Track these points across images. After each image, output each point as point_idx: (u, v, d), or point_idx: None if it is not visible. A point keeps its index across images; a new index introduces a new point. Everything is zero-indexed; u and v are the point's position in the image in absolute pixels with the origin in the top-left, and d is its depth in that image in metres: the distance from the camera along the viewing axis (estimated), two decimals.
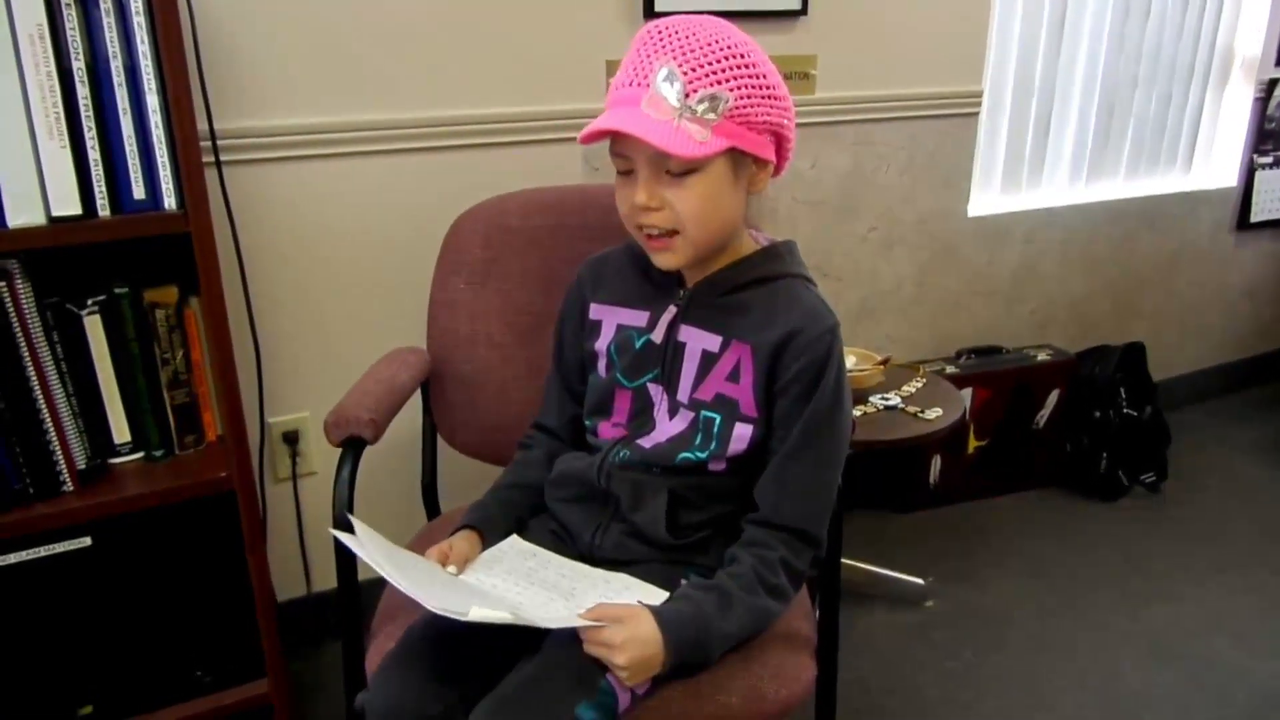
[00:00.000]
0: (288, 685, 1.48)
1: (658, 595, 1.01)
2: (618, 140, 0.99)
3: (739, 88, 0.95)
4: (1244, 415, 2.99)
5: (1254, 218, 2.89)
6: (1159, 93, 2.64)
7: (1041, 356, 2.42)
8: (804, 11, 1.94)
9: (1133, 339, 2.57)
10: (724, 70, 0.94)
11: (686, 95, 0.93)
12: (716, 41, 0.95)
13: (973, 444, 2.37)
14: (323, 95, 1.58)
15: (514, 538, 1.12)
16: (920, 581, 2.01)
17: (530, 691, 0.93)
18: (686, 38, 0.94)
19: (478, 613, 0.89)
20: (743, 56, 0.95)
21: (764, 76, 0.97)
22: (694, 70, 0.93)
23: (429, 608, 0.92)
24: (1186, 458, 2.63)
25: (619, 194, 1.03)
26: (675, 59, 0.93)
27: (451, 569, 1.04)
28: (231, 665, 1.47)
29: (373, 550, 0.96)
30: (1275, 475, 2.59)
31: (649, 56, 0.95)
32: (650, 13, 1.77)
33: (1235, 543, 2.24)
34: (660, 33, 0.96)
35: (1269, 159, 2.85)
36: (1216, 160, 2.85)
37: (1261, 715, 1.66)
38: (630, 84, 0.96)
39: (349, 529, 1.02)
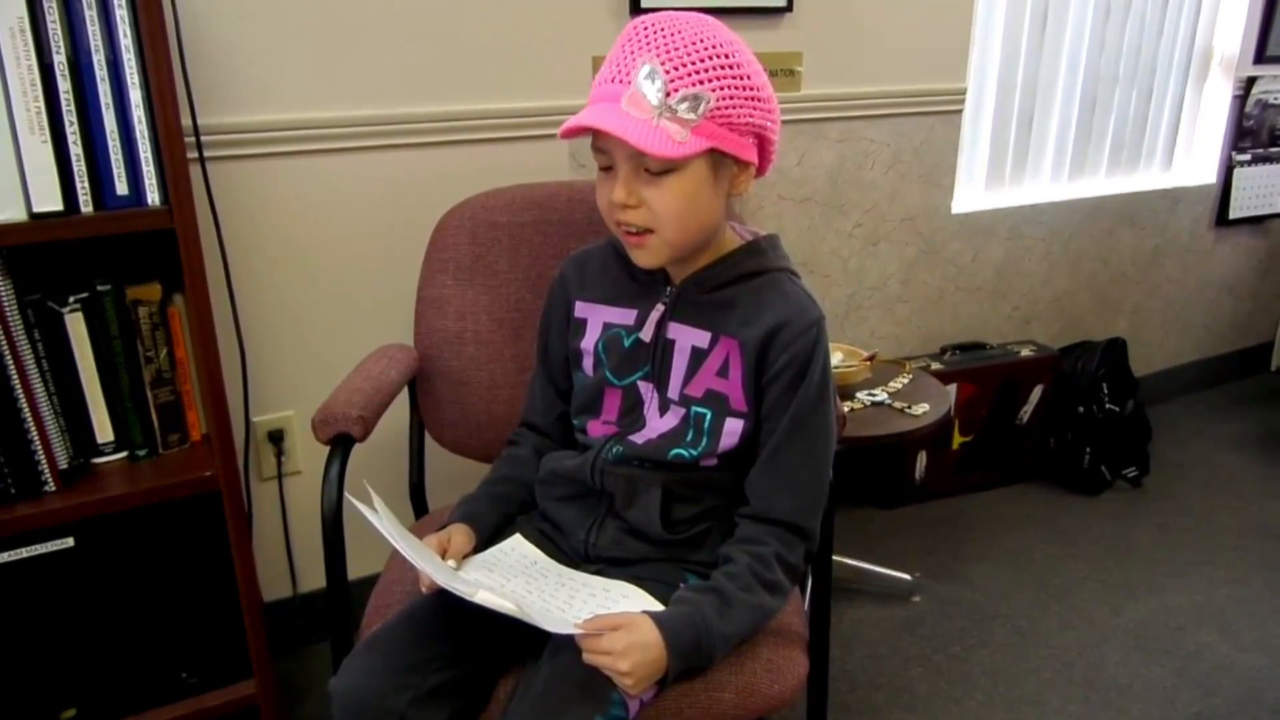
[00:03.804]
0: (274, 686, 1.47)
1: (655, 604, 1.00)
2: (599, 136, 0.97)
3: (721, 88, 0.93)
4: (1224, 409, 3.02)
5: (1233, 214, 2.92)
6: (1139, 90, 2.67)
7: (1025, 352, 2.43)
8: (789, 9, 1.94)
9: (1114, 335, 2.60)
10: (707, 70, 0.93)
11: (667, 94, 0.91)
12: (701, 40, 0.93)
13: (957, 440, 2.38)
14: (308, 91, 1.56)
15: (518, 538, 1.11)
16: (907, 577, 2.02)
17: (541, 710, 0.91)
18: (671, 35, 0.93)
19: (485, 596, 0.89)
20: (727, 56, 0.94)
21: (748, 77, 0.96)
22: (676, 69, 0.92)
23: (438, 582, 0.93)
24: (1168, 452, 2.67)
25: (599, 190, 1.02)
26: (658, 56, 0.92)
27: (451, 562, 1.04)
28: (217, 666, 1.45)
29: (386, 523, 0.95)
30: (1256, 468, 2.62)
31: (632, 53, 0.94)
32: (636, 9, 1.77)
33: (1218, 536, 2.26)
34: (645, 29, 0.95)
35: (1247, 156, 2.89)
36: (1196, 157, 2.88)
37: (1246, 707, 1.68)
38: (612, 80, 0.95)
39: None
